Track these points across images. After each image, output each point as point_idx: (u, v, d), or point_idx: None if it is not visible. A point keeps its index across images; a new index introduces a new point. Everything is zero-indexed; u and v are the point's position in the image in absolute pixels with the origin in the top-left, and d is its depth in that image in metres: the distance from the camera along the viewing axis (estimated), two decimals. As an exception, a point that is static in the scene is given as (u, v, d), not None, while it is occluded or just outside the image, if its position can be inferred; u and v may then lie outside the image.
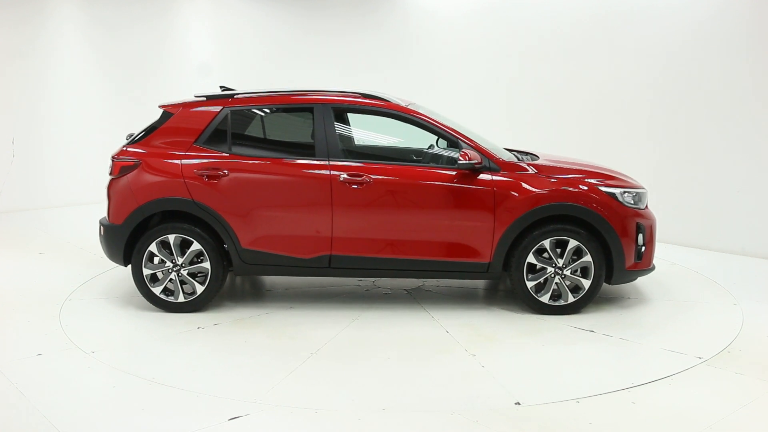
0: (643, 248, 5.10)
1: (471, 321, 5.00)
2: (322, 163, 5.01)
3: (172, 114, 5.28)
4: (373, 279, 6.00)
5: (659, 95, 7.50)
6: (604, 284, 5.18)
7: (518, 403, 3.68)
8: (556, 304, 5.09)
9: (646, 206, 5.27)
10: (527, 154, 5.72)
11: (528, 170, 5.07)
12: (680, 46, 7.30)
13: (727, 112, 7.04)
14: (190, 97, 5.42)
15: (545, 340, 4.66)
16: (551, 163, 5.30)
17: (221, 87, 5.81)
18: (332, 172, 4.98)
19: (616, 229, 4.97)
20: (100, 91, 9.83)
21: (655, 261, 5.49)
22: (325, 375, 4.08)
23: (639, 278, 5.52)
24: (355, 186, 4.96)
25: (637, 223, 5.06)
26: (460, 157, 4.91)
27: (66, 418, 3.51)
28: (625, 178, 5.33)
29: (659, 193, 7.47)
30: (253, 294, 5.77)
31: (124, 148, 5.27)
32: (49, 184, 9.45)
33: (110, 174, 5.27)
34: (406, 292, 5.68)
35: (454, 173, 5.00)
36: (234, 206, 5.04)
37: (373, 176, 4.97)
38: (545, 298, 5.08)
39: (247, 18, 10.93)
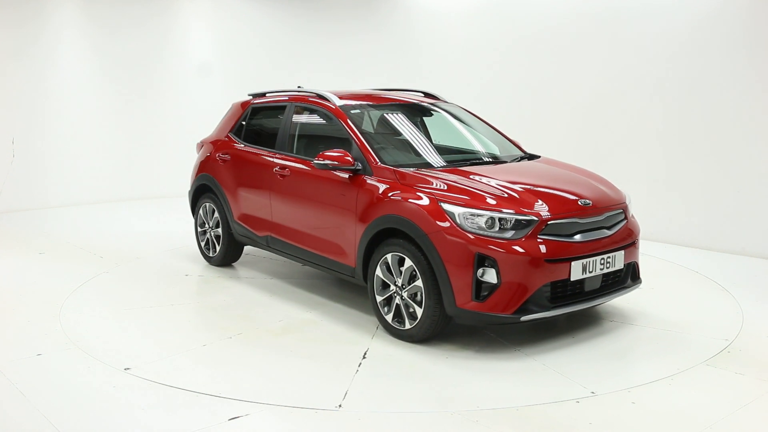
0: (495, 287, 4.11)
1: (317, 319, 4.98)
2: (272, 154, 5.71)
3: (231, 109, 6.50)
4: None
5: (659, 94, 7.49)
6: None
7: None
8: (399, 327, 4.53)
9: (524, 238, 4.15)
10: (529, 155, 5.64)
11: (395, 178, 4.63)
12: (680, 45, 7.29)
13: (727, 111, 7.03)
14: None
15: (355, 350, 4.42)
16: (442, 174, 4.64)
17: (298, 86, 6.26)
18: (275, 164, 5.62)
19: (442, 254, 4.18)
20: (100, 91, 9.81)
21: (654, 261, 5.37)
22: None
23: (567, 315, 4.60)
24: (281, 178, 5.52)
25: (480, 254, 4.10)
26: (317, 158, 4.91)
27: (66, 418, 3.51)
28: (499, 205, 4.25)
29: (659, 193, 7.48)
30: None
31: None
32: (49, 184, 9.43)
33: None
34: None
35: (346, 175, 4.89)
36: (230, 184, 6.08)
37: (290, 170, 5.45)
38: (389, 317, 4.60)
39: (247, 18, 10.92)
